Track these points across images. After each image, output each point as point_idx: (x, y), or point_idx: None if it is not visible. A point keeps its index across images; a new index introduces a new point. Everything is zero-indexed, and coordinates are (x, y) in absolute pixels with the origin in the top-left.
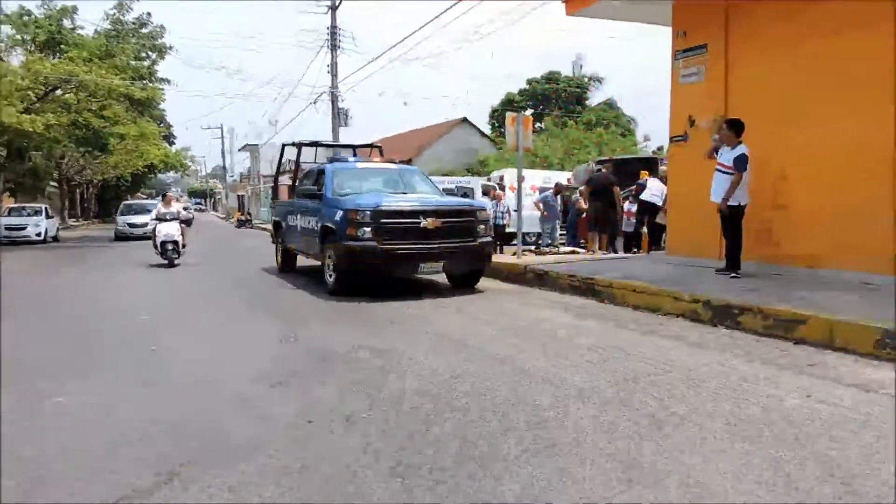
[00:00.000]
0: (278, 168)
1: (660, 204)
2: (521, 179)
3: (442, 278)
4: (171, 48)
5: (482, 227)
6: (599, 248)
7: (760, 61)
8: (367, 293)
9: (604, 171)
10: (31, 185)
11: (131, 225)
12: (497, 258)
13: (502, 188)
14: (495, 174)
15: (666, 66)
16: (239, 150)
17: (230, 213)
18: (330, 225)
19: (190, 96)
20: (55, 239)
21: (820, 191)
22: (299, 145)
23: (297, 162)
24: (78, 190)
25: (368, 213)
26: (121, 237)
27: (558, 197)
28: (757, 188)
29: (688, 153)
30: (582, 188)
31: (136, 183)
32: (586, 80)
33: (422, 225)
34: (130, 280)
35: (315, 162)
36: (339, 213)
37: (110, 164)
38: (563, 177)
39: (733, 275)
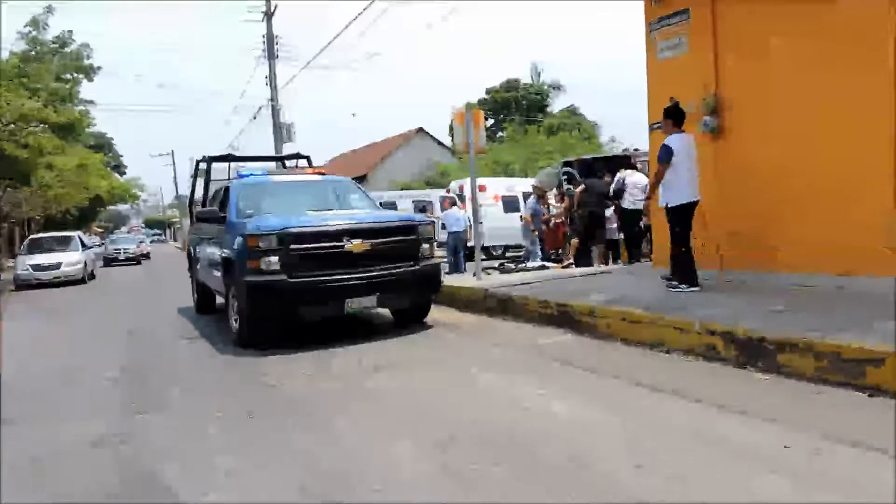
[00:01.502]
0: (192, 189)
1: (641, 205)
2: (474, 184)
3: (386, 310)
4: (98, 68)
5: (426, 246)
6: (601, 262)
7: (759, 22)
8: (286, 340)
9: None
10: None
11: (37, 267)
12: (454, 280)
13: (461, 199)
14: (454, 184)
15: (630, 55)
16: (190, 176)
17: (184, 243)
18: (229, 255)
19: (135, 119)
20: None
21: (824, 182)
22: (208, 160)
23: (207, 180)
24: (17, 228)
25: (273, 237)
26: (23, 285)
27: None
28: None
29: None
30: (577, 191)
31: (83, 217)
32: (546, 87)
33: (346, 248)
34: None
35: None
36: (238, 241)
37: (48, 198)
38: (526, 183)
39: (676, 286)
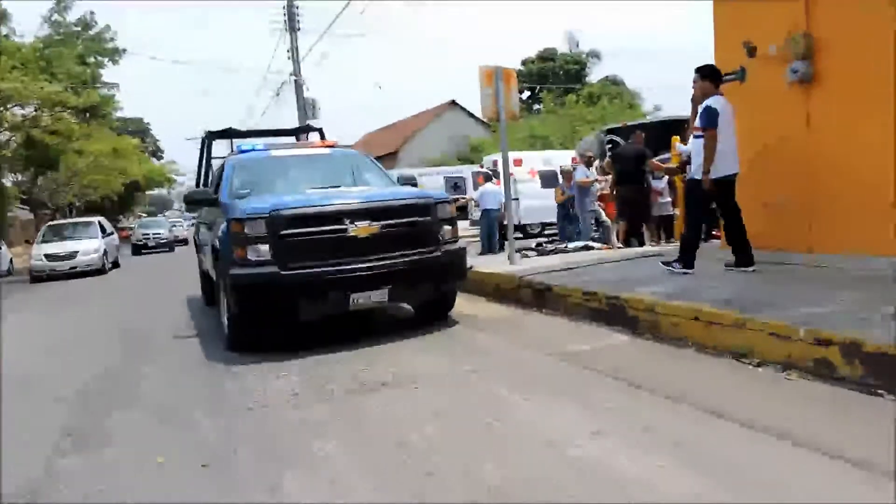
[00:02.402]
0: (198, 168)
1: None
2: (506, 154)
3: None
4: (123, 51)
5: (447, 228)
6: (621, 241)
7: None
8: (285, 339)
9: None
10: None
11: (52, 257)
12: (485, 264)
13: (496, 174)
14: (488, 158)
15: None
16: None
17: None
18: (216, 244)
19: (168, 102)
20: (9, 272)
21: None
22: (207, 136)
23: (207, 158)
24: (58, 214)
25: (262, 221)
26: (38, 277)
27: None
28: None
29: (746, 98)
30: (603, 163)
31: (123, 202)
32: (584, 56)
33: (350, 233)
34: None
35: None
36: (223, 226)
37: (84, 184)
38: (566, 157)
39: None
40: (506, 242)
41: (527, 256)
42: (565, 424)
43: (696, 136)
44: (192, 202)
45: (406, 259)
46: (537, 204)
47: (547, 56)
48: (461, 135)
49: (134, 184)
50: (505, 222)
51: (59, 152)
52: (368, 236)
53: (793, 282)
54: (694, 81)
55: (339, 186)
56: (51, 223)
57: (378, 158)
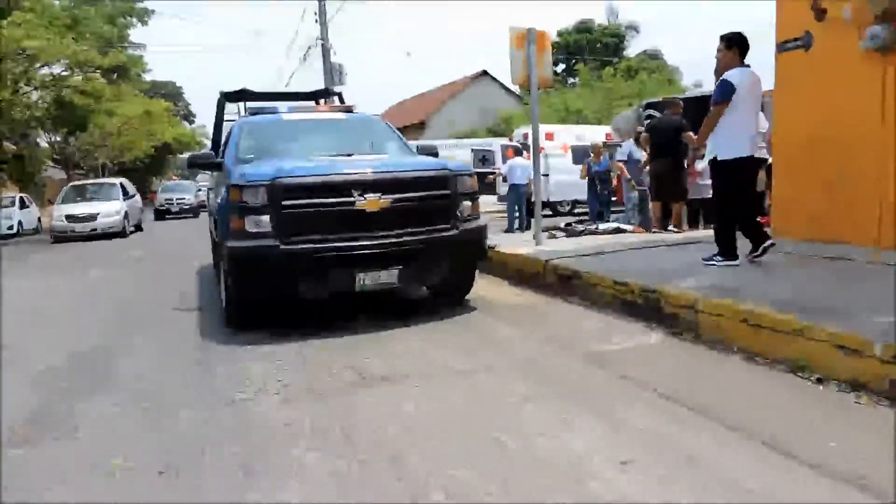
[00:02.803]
0: (214, 132)
1: (766, 153)
2: (536, 125)
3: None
4: (152, 12)
5: (466, 203)
6: (657, 225)
7: None
8: (288, 316)
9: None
10: (18, 173)
11: (72, 218)
12: (509, 243)
13: (526, 148)
14: (518, 131)
15: None
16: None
17: None
18: (216, 214)
19: (198, 69)
20: (36, 231)
21: None
22: (222, 97)
23: (220, 121)
24: (91, 175)
25: (263, 189)
26: (60, 238)
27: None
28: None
29: (811, 67)
30: (643, 135)
31: (153, 165)
32: (623, 28)
33: (357, 206)
34: None
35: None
36: (223, 194)
37: (115, 146)
38: (600, 133)
39: (723, 261)
40: (532, 220)
41: (554, 237)
42: (588, 448)
43: None
44: (194, 165)
45: (420, 237)
46: (568, 180)
47: (584, 28)
48: (492, 106)
49: (166, 147)
50: (533, 199)
51: (88, 113)
52: (378, 210)
53: (860, 283)
54: (718, 51)
55: (352, 154)
56: (73, 184)
57: (405, 129)
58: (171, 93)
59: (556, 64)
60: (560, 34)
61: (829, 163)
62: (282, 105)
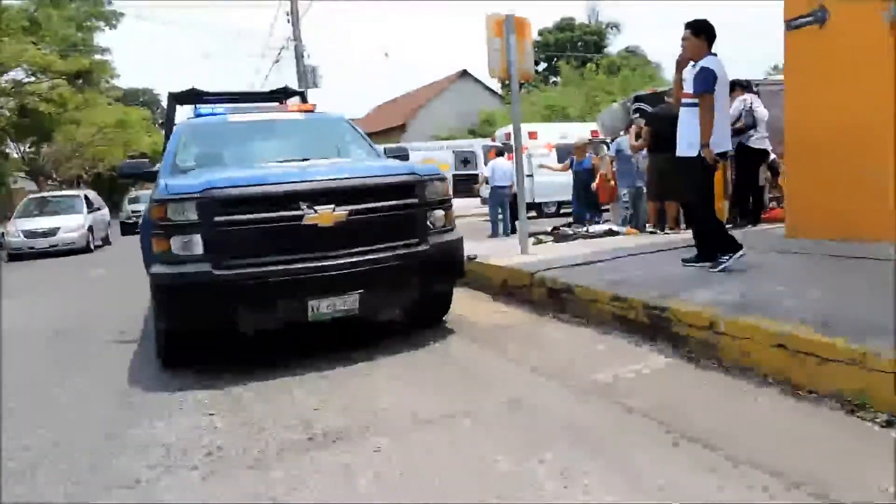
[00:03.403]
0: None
1: (767, 143)
2: (517, 122)
3: None
4: (121, 15)
5: (438, 213)
6: (659, 225)
7: None
8: (231, 348)
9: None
10: None
11: (30, 234)
12: (493, 251)
13: (509, 149)
14: (500, 131)
15: None
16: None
17: None
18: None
19: (177, 74)
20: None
21: None
22: (171, 99)
23: (169, 125)
24: (64, 187)
25: (192, 203)
26: (15, 255)
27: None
28: None
29: (826, 46)
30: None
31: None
32: (604, 26)
33: (307, 220)
34: None
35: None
36: (145, 212)
37: (88, 156)
38: (584, 130)
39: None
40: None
41: (541, 242)
42: None
43: (685, 105)
44: (124, 175)
45: (383, 255)
46: (552, 180)
47: (565, 26)
48: (473, 107)
49: (143, 156)
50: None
51: (53, 122)
52: (333, 225)
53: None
54: (684, 39)
55: (307, 159)
56: (31, 196)
57: (384, 132)
58: (148, 101)
59: (537, 63)
60: (541, 33)
61: (850, 152)
62: (241, 107)
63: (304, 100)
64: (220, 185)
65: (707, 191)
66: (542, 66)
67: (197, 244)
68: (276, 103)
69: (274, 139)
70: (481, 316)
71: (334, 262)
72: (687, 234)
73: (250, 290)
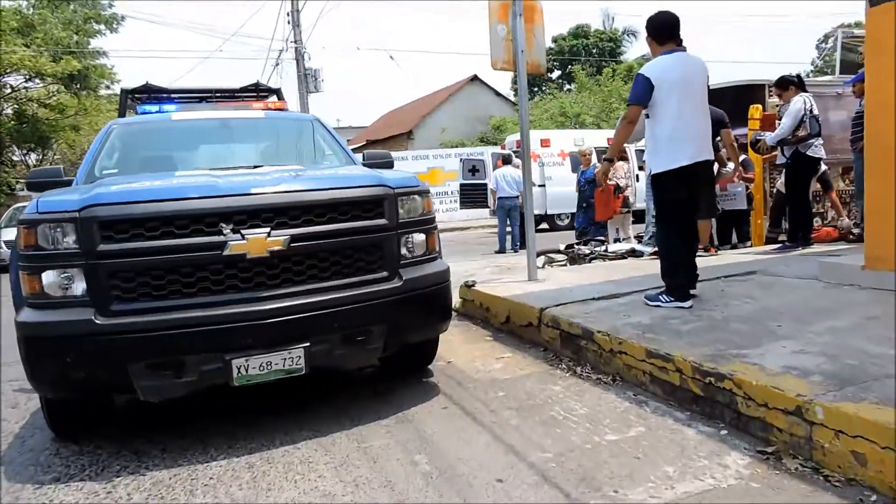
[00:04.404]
0: None
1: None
2: (525, 123)
3: None
4: (123, 18)
5: (417, 237)
6: (701, 246)
7: None
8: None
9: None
10: None
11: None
12: (491, 284)
13: (518, 156)
14: (510, 138)
15: None
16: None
17: None
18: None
19: (177, 74)
20: None
21: None
22: (123, 96)
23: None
24: None
25: (68, 225)
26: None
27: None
28: None
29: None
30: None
31: None
32: (620, 32)
33: (232, 249)
34: None
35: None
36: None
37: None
38: (600, 138)
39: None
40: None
41: (553, 261)
42: None
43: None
44: (33, 186)
45: (338, 295)
46: (567, 191)
47: (580, 33)
48: (483, 114)
49: None
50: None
51: (51, 128)
52: (267, 255)
53: None
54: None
55: (259, 166)
56: (18, 205)
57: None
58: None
59: (550, 70)
60: (555, 40)
61: None
62: (195, 105)
63: (280, 98)
64: (107, 201)
65: (665, 213)
66: (557, 73)
67: (77, 282)
68: (241, 101)
69: (224, 142)
70: (477, 363)
71: (268, 307)
72: (725, 259)
73: (147, 345)
